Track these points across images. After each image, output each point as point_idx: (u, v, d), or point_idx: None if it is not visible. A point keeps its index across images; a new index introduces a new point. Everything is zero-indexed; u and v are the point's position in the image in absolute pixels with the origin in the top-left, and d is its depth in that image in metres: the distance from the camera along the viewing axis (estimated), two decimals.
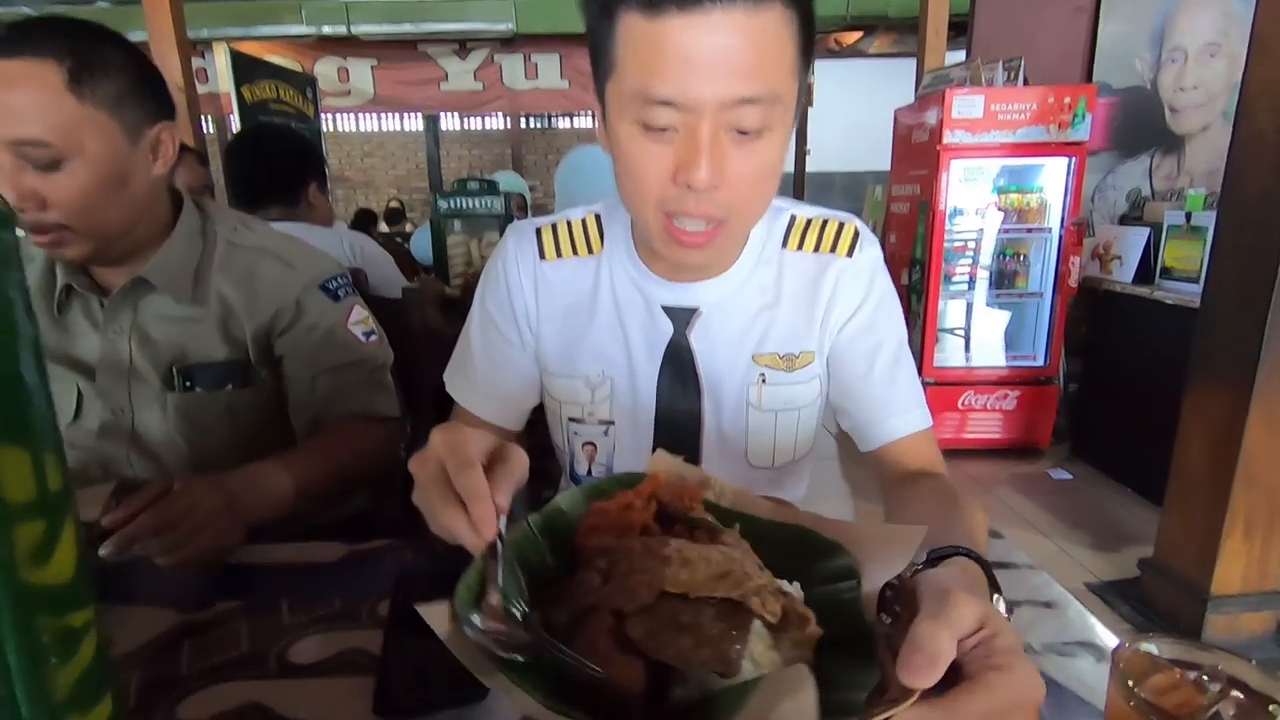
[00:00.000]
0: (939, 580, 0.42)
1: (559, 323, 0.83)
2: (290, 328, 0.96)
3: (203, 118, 3.34)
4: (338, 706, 0.54)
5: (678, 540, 0.48)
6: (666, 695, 0.42)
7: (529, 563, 0.49)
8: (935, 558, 0.49)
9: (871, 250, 0.82)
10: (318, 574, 0.73)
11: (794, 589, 0.47)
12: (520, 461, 0.49)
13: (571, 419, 0.86)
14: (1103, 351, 3.10)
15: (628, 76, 0.61)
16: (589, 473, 0.90)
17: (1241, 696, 0.39)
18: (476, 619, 0.41)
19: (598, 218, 0.85)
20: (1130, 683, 0.39)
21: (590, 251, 0.83)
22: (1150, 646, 0.42)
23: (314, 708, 0.54)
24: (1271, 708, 0.38)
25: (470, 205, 2.99)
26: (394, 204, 7.42)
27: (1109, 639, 0.61)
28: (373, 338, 1.03)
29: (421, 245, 3.39)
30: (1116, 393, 3.02)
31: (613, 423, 0.85)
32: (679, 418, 0.84)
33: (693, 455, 0.86)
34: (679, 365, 0.81)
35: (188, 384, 0.91)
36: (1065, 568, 2.31)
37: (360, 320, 1.02)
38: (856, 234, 0.81)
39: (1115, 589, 2.18)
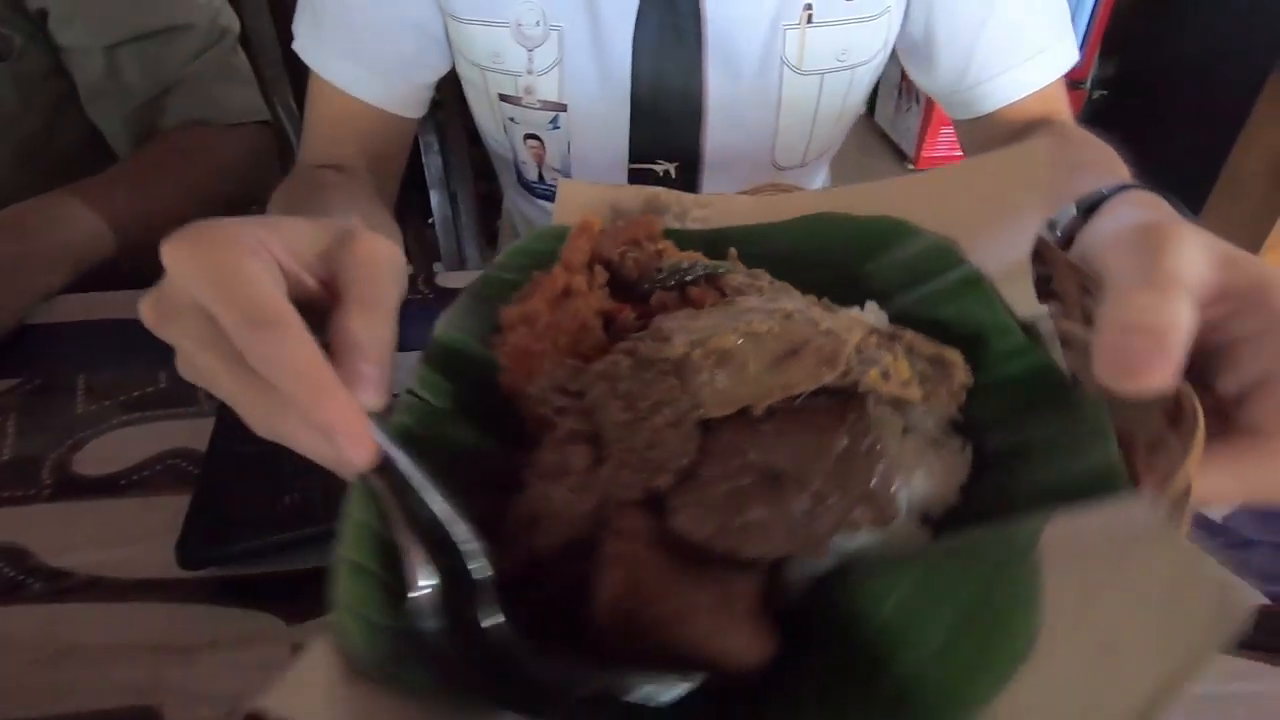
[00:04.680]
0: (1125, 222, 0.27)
1: None
2: None
3: None
4: (137, 547, 0.33)
5: (671, 318, 0.27)
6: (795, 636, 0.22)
7: (437, 462, 0.25)
8: (1093, 204, 0.33)
9: None
10: (138, 336, 0.49)
11: (876, 314, 0.29)
12: (384, 266, 0.24)
13: (504, 97, 0.57)
14: (1149, 48, 2.66)
15: None
16: (539, 179, 0.63)
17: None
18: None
19: None
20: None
21: None
22: None
23: (99, 550, 0.34)
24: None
25: None
26: None
27: None
28: None
29: None
30: (1154, 100, 2.66)
31: (564, 107, 0.56)
32: (668, 96, 0.54)
33: (689, 161, 0.58)
34: (671, 4, 0.50)
35: None
36: None
37: None
38: None
39: None
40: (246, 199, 0.76)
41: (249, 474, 0.34)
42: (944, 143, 2.76)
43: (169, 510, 0.34)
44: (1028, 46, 0.53)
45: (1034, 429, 0.24)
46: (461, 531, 0.22)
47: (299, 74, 0.56)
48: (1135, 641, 0.16)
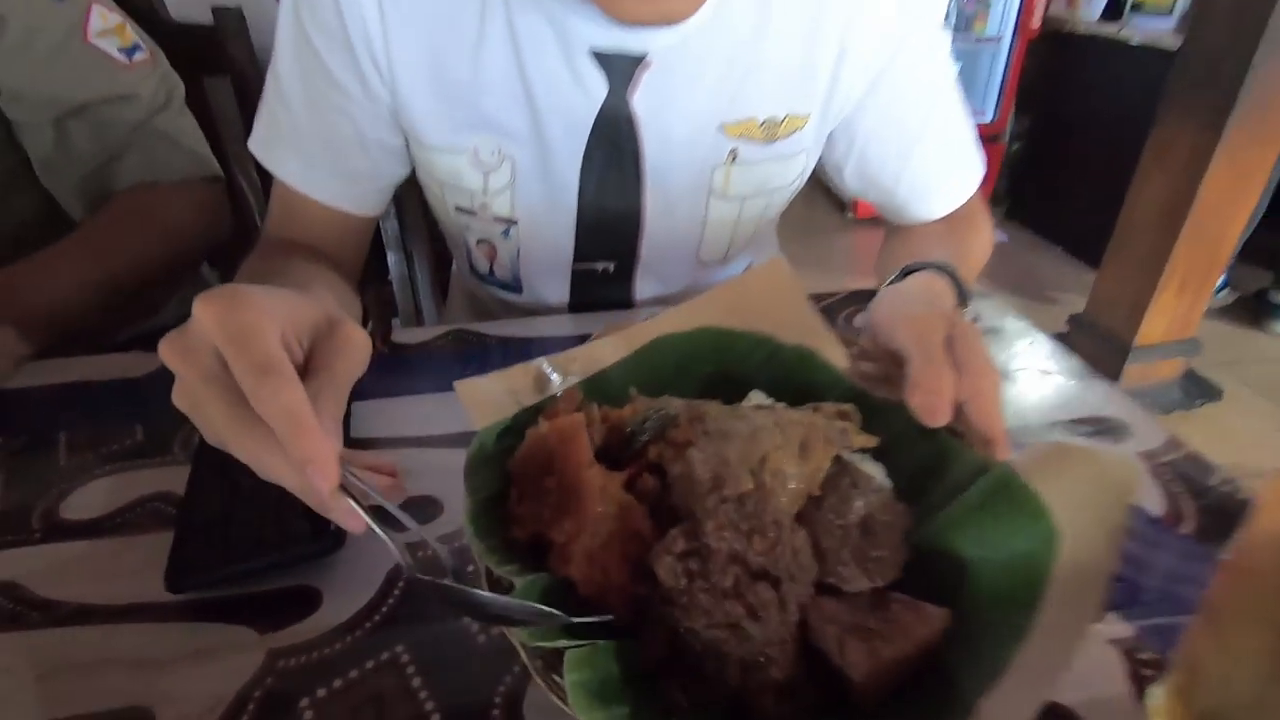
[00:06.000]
0: (895, 309, 0.42)
1: (425, 67, 0.54)
2: None
3: None
4: (123, 580, 0.38)
5: (698, 462, 0.32)
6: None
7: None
8: (907, 272, 0.51)
9: None
10: (113, 395, 0.54)
11: (764, 398, 0.38)
12: (355, 356, 0.32)
13: (460, 209, 0.63)
14: (1055, 106, 2.91)
15: None
16: (490, 272, 0.70)
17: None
18: None
19: None
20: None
21: None
22: None
23: (89, 583, 0.38)
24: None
25: None
26: None
27: None
28: (139, 56, 0.72)
29: None
30: (1062, 152, 2.89)
31: (515, 221, 0.63)
32: (610, 217, 0.62)
33: (625, 261, 0.66)
34: (613, 144, 0.57)
35: None
36: None
37: (111, 30, 0.70)
38: None
39: None
40: (198, 255, 0.81)
41: (224, 511, 0.40)
42: None
43: (151, 547, 0.39)
44: (945, 176, 0.63)
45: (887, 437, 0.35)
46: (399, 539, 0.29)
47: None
48: (1091, 502, 0.27)
